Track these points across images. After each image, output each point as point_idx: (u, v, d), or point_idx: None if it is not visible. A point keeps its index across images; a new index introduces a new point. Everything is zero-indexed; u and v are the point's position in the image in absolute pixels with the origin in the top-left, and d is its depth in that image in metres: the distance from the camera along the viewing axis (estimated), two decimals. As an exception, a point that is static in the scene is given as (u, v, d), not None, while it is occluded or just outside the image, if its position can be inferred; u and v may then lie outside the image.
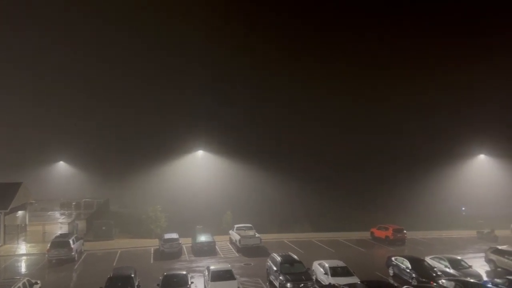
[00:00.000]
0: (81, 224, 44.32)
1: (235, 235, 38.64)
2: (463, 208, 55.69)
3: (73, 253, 32.96)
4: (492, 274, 30.09)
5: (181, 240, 36.77)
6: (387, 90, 74.09)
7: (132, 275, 23.75)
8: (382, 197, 59.32)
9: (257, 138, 70.29)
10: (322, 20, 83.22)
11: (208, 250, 35.92)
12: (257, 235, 38.02)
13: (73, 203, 59.82)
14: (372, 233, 43.98)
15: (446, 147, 65.75)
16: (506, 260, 30.79)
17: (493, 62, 71.63)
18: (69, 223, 43.95)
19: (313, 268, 28.16)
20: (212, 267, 25.66)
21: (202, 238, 36.92)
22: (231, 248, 38.42)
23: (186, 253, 36.30)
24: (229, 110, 71.47)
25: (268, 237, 41.73)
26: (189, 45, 75.36)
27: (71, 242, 33.22)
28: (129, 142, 68.01)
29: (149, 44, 73.65)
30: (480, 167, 63.87)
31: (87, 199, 59.87)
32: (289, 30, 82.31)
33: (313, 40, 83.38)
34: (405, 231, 41.59)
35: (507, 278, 24.40)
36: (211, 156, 59.26)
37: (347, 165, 69.42)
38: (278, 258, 27.14)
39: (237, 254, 35.95)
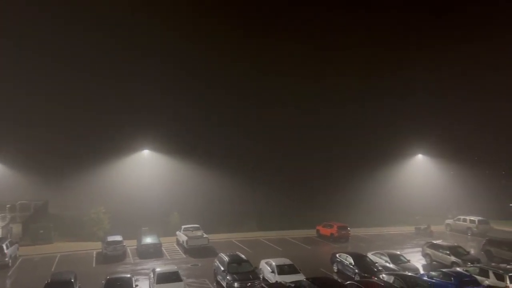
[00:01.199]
0: (16, 228, 41.58)
1: (182, 236, 38.08)
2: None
3: (6, 259, 30.93)
4: (428, 267, 31.90)
5: (126, 242, 35.62)
6: (330, 86, 75.74)
7: (72, 280, 22.69)
8: (328, 195, 60.92)
9: (205, 137, 69.66)
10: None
11: (154, 252, 35.13)
12: (204, 235, 37.72)
13: (7, 206, 56.04)
14: (317, 230, 45.08)
15: (387, 147, 68.77)
16: (440, 254, 32.74)
17: (432, 62, 76.00)
18: (2, 227, 41.13)
19: (261, 267, 28.38)
20: (158, 269, 25.13)
21: (148, 239, 36.06)
22: (178, 249, 37.83)
23: (130, 255, 35.25)
24: (176, 108, 70.09)
25: (216, 237, 41.57)
26: (131, 38, 72.51)
27: (4, 247, 31.17)
28: (71, 141, 64.77)
29: (86, 36, 69.84)
30: (418, 166, 67.46)
31: (23, 201, 56.36)
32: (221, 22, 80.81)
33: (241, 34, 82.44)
34: (349, 228, 43.03)
35: (441, 271, 25.97)
36: (157, 155, 57.84)
37: (294, 164, 70.61)
38: (226, 258, 27.09)
39: (184, 255, 35.47)
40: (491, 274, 25.14)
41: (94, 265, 32.45)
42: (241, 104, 74.38)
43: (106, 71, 68.81)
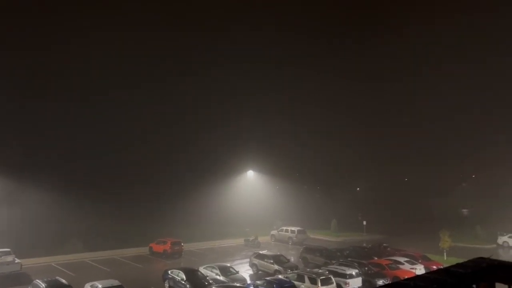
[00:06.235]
0: None
1: (-14, 263, 32.30)
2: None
3: None
4: (254, 277, 33.92)
5: None
6: (171, 103, 76.01)
7: None
8: (162, 212, 59.87)
9: (22, 145, 61.16)
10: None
11: None
12: (16, 260, 32.93)
13: None
14: (150, 248, 43.71)
15: (220, 164, 71.86)
16: (265, 263, 35.23)
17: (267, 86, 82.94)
18: None
19: (84, 291, 25.98)
20: None
21: None
22: (-19, 279, 31.95)
23: None
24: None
25: (32, 262, 36.82)
26: None
27: None
28: None
29: None
30: (248, 182, 71.94)
31: None
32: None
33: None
34: (182, 244, 42.95)
35: (265, 279, 27.95)
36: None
37: (127, 181, 67.61)
38: (42, 285, 24.12)
39: (-13, 286, 30.17)
40: (306, 279, 28.15)
41: None
42: (81, 115, 68.39)
43: None
